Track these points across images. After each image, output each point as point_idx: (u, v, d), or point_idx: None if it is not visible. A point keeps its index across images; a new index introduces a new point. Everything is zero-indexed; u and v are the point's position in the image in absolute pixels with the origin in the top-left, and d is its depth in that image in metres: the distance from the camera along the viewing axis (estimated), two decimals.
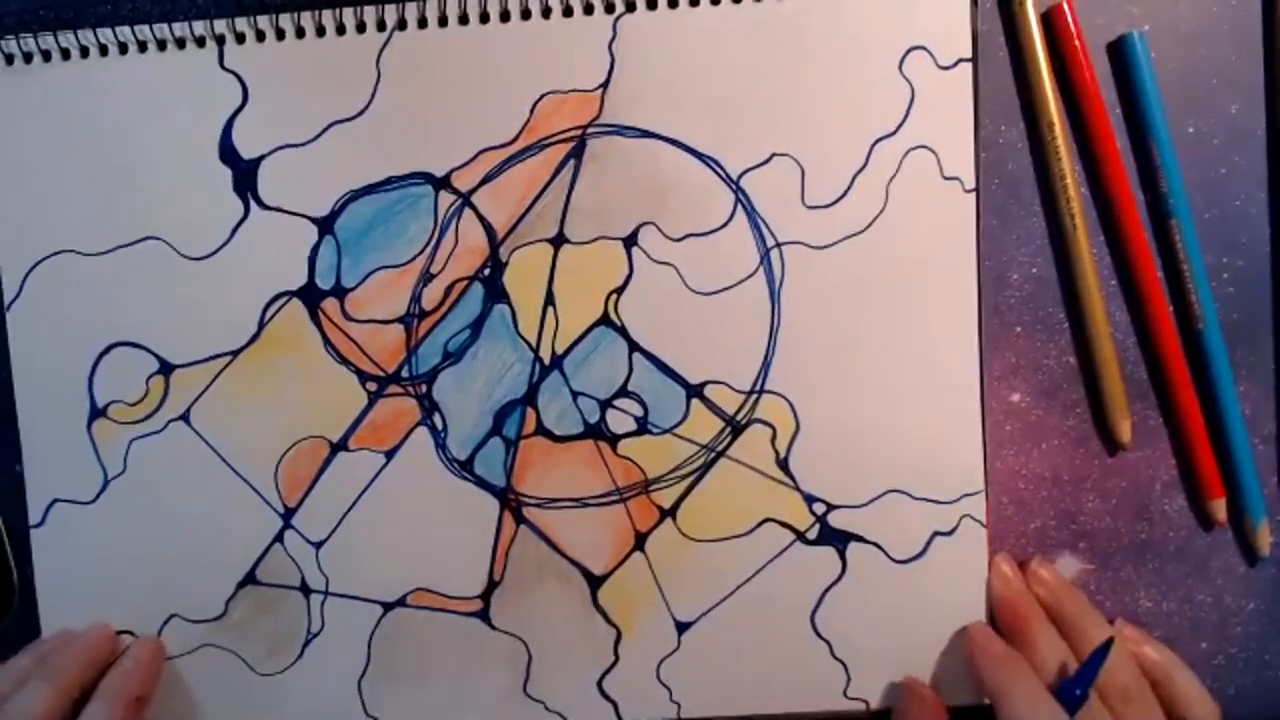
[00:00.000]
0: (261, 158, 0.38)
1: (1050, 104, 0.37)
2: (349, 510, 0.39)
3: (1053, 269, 0.38)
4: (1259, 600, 0.38)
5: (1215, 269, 0.38)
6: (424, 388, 0.39)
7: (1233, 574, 0.38)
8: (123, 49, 0.38)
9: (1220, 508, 0.38)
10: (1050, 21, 0.37)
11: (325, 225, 0.38)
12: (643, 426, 0.38)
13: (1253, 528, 0.38)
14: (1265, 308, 0.38)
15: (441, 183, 0.38)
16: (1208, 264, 0.38)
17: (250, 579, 0.39)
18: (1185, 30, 0.37)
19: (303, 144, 0.38)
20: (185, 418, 0.39)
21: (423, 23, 0.37)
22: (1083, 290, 0.37)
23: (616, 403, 0.38)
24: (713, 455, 0.38)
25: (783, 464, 0.38)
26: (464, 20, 0.37)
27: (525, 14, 0.37)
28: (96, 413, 0.39)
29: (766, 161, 0.37)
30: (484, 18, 0.37)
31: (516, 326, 0.38)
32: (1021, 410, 0.38)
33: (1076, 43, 0.37)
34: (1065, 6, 0.37)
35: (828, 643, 0.38)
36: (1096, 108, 0.37)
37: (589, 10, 0.37)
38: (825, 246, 0.37)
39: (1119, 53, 0.37)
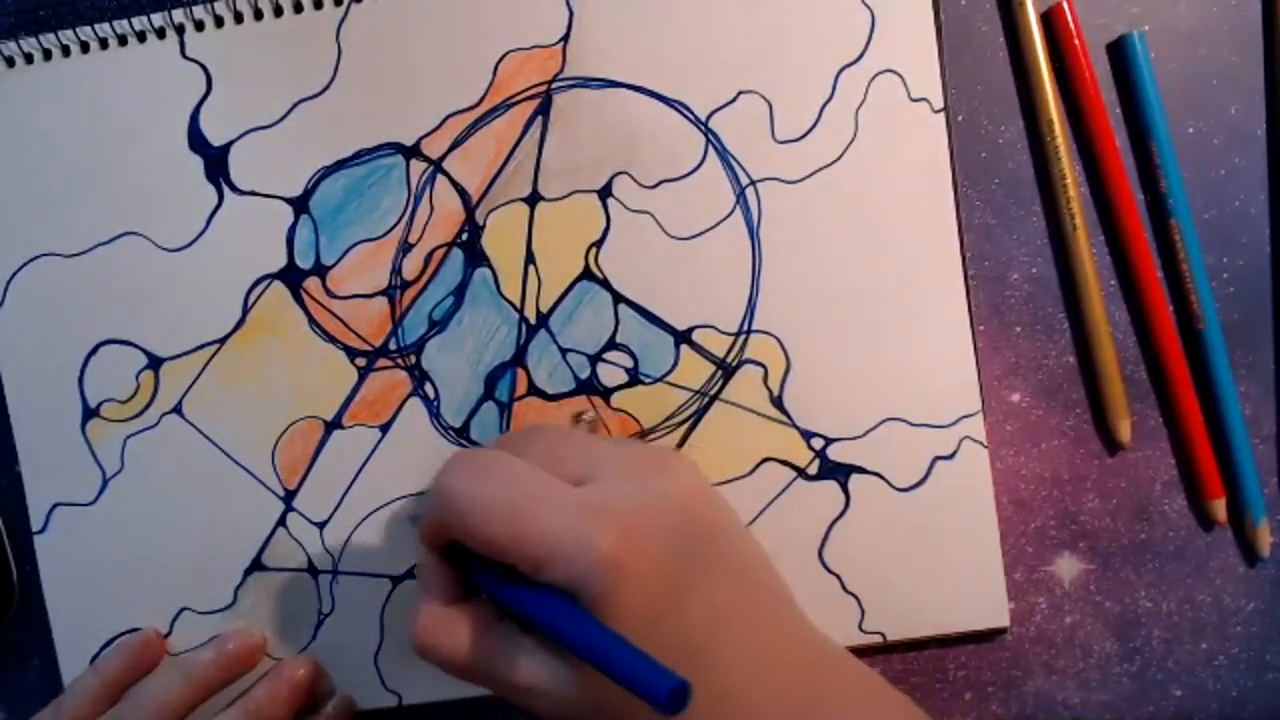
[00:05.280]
0: (231, 143, 0.38)
1: (1050, 104, 0.37)
2: (349, 488, 0.39)
3: (1053, 269, 0.38)
4: (1259, 600, 0.38)
5: (1215, 269, 0.38)
6: (413, 358, 0.39)
7: (1233, 574, 0.38)
8: (84, 48, 0.38)
9: (1220, 508, 0.37)
10: (1050, 21, 0.37)
11: (300, 205, 0.38)
12: (634, 377, 0.38)
13: (1253, 528, 0.38)
14: (1265, 308, 0.38)
15: (411, 151, 0.38)
16: (1208, 264, 0.37)
17: (257, 565, 0.39)
18: (1185, 30, 0.37)
19: (270, 125, 0.38)
20: (178, 410, 0.39)
21: None
22: (1083, 290, 0.37)
23: (606, 356, 0.38)
24: (706, 400, 0.38)
25: (777, 402, 0.38)
26: None
27: None
28: (90, 413, 0.39)
29: (734, 100, 0.37)
30: None
31: (499, 289, 0.38)
32: (1021, 410, 0.38)
33: (1076, 43, 0.37)
34: (1065, 6, 0.37)
35: (838, 577, 0.38)
36: (1096, 108, 0.37)
37: None
38: (799, 180, 0.37)
39: (1119, 53, 0.37)
